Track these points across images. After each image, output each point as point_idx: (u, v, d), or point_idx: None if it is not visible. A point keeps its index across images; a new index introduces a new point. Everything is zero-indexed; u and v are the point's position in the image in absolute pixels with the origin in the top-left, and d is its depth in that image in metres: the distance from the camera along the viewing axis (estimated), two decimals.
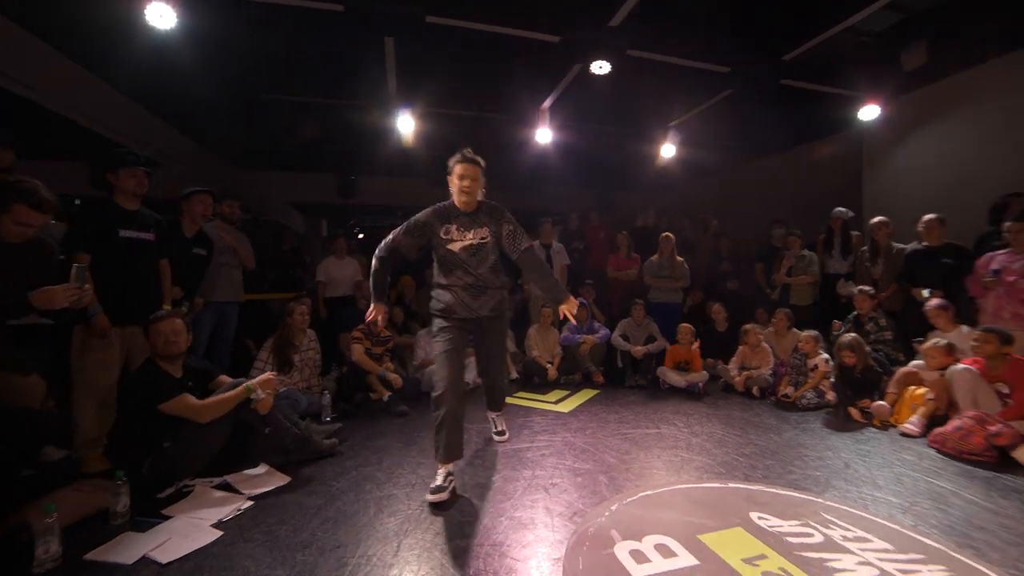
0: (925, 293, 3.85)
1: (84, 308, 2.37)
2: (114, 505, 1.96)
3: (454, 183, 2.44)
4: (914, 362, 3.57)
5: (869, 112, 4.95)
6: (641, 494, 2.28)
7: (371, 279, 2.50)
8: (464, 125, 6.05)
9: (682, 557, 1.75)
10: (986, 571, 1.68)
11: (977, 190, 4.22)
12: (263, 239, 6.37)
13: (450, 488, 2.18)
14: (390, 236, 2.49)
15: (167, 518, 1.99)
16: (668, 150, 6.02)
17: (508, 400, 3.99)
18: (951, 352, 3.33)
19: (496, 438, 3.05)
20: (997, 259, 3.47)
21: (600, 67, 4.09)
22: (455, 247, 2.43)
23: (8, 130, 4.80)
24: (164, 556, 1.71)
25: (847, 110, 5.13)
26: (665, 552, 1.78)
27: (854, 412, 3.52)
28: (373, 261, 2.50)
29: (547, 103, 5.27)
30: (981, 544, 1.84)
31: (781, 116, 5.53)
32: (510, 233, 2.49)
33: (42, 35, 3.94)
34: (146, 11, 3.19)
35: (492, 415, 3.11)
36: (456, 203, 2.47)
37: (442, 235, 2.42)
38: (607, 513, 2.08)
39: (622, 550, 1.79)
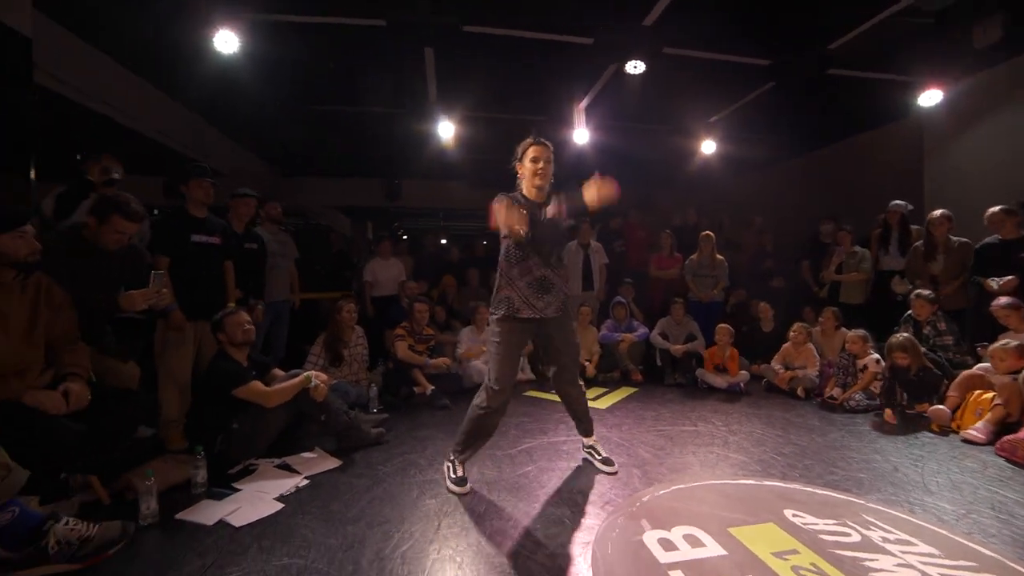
0: (994, 284, 3.61)
1: (165, 306, 2.68)
2: (195, 476, 2.23)
3: (527, 168, 2.24)
4: (980, 365, 3.36)
5: (930, 97, 4.66)
6: (673, 487, 2.31)
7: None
8: (503, 128, 6.18)
9: (710, 547, 1.78)
10: None
11: None
12: (313, 242, 6.79)
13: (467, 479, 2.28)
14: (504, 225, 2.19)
15: (237, 490, 2.24)
16: (708, 146, 5.91)
17: (546, 396, 4.10)
18: (1022, 354, 3.11)
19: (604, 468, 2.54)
20: None
21: (635, 67, 4.11)
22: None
23: (94, 147, 5.42)
24: (237, 521, 1.95)
25: (904, 96, 4.86)
26: (694, 542, 1.82)
27: (888, 413, 3.38)
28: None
29: (584, 103, 5.31)
30: None
31: (829, 106, 5.31)
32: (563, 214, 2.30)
33: (124, 61, 4.41)
34: (214, 39, 3.53)
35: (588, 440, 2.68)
36: (527, 192, 2.28)
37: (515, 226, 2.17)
38: (638, 504, 2.14)
39: (651, 538, 1.85)
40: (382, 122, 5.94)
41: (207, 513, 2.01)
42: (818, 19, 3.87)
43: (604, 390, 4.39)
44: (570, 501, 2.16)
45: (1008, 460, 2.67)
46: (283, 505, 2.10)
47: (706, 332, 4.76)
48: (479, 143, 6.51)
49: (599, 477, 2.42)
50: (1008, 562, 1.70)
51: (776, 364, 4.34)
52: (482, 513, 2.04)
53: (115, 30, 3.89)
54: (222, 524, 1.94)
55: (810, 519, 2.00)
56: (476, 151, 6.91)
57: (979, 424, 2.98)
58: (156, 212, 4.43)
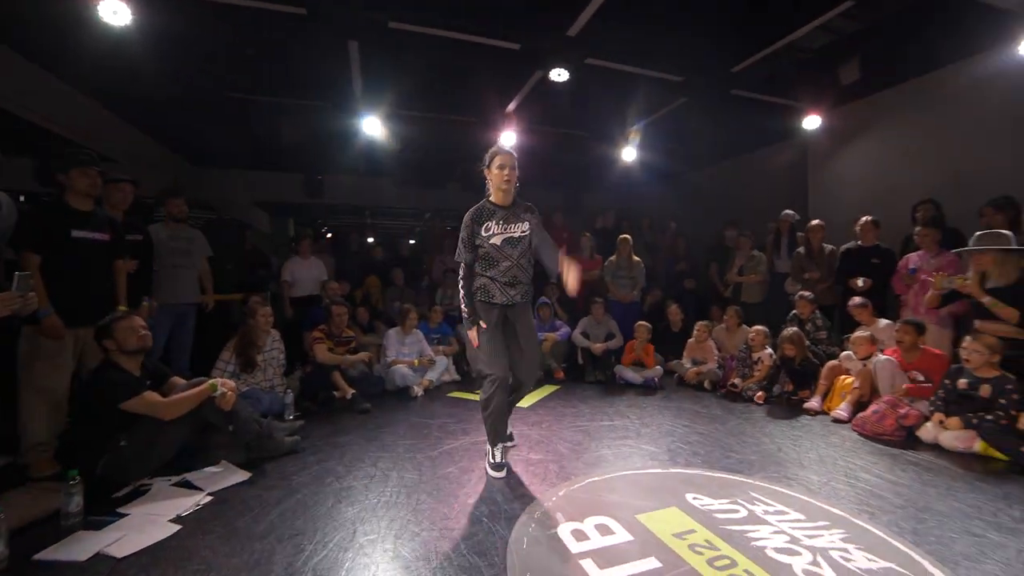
0: (860, 283, 4.19)
1: (34, 311, 2.35)
2: (66, 506, 1.94)
3: (494, 174, 2.46)
4: (845, 353, 3.89)
5: (812, 122, 5.31)
6: (588, 480, 2.44)
7: (466, 305, 2.54)
8: (430, 127, 6.13)
9: (619, 534, 1.91)
10: (875, 531, 1.94)
11: (904, 196, 4.58)
12: (225, 239, 6.28)
13: (506, 464, 2.53)
14: (463, 265, 2.54)
15: (123, 516, 2.02)
16: (628, 154, 6.26)
17: (468, 396, 4.14)
18: (874, 342, 3.66)
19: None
20: (913, 259, 3.83)
21: (559, 74, 4.25)
22: (497, 241, 2.47)
23: None
24: (120, 551, 1.74)
25: (793, 119, 5.47)
26: (604, 531, 1.94)
27: (759, 395, 3.96)
28: (463, 291, 2.54)
29: (511, 107, 5.40)
30: (876, 510, 2.11)
31: (733, 123, 5.83)
32: (538, 223, 2.58)
33: None
34: (98, 7, 3.15)
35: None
36: (495, 198, 2.51)
37: (483, 233, 2.47)
38: (554, 498, 2.23)
39: (565, 530, 1.94)
40: (304, 114, 5.63)
41: (80, 547, 1.77)
42: (724, 44, 4.25)
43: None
44: (489, 500, 2.20)
45: (860, 434, 3.16)
46: (179, 527, 1.94)
47: (624, 330, 5.04)
48: (407, 141, 6.39)
49: (519, 474, 2.49)
50: (851, 517, 2.06)
51: (685, 360, 4.71)
52: (401, 518, 2.02)
53: None
54: (100, 557, 1.73)
55: (707, 500, 2.21)
56: (404, 149, 6.77)
57: (843, 405, 3.48)
58: (22, 199, 3.86)
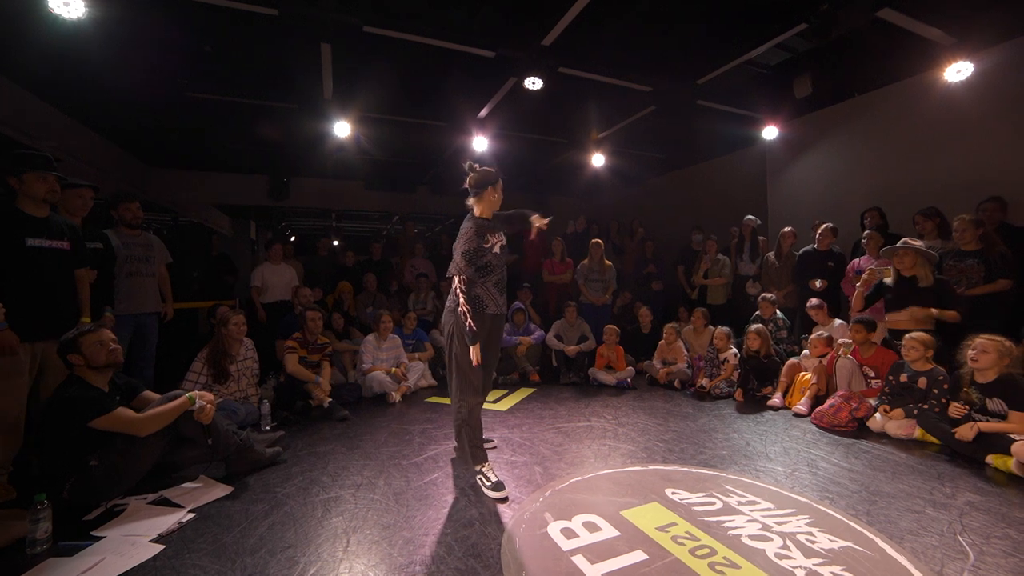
0: (818, 284, 4.49)
1: None
2: (32, 532, 1.83)
3: (495, 196, 2.64)
4: (803, 352, 4.15)
5: (769, 132, 5.63)
6: (572, 480, 2.53)
7: (474, 320, 2.44)
8: (401, 131, 6.10)
9: (605, 530, 2.00)
10: (835, 514, 2.13)
11: (852, 203, 4.96)
12: (191, 244, 6.03)
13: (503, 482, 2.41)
14: (466, 279, 2.48)
15: (98, 539, 1.93)
16: (598, 159, 6.43)
17: (446, 401, 4.16)
18: (829, 343, 3.93)
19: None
20: (859, 263, 4.14)
21: (533, 83, 4.34)
22: (496, 249, 2.62)
23: None
24: None
25: (753, 129, 5.78)
26: (591, 528, 2.02)
27: (738, 393, 4.13)
28: (470, 305, 2.47)
29: (483, 112, 5.45)
30: (835, 495, 2.31)
31: (698, 132, 6.11)
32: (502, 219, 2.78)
33: None
34: None
35: None
36: (483, 214, 2.64)
37: (486, 245, 2.57)
38: (541, 499, 2.30)
39: (554, 529, 2.01)
40: (269, 116, 5.48)
41: None
42: (689, 57, 4.46)
43: (504, 392, 4.56)
44: (478, 503, 2.25)
45: (819, 426, 3.40)
46: (163, 546, 1.88)
47: (596, 332, 5.19)
48: (377, 144, 6.33)
49: (505, 476, 2.54)
50: (813, 503, 2.25)
51: (656, 361, 4.89)
52: (392, 525, 2.04)
53: None
54: None
55: (685, 494, 2.34)
56: (373, 152, 6.70)
57: (802, 400, 3.73)
58: None
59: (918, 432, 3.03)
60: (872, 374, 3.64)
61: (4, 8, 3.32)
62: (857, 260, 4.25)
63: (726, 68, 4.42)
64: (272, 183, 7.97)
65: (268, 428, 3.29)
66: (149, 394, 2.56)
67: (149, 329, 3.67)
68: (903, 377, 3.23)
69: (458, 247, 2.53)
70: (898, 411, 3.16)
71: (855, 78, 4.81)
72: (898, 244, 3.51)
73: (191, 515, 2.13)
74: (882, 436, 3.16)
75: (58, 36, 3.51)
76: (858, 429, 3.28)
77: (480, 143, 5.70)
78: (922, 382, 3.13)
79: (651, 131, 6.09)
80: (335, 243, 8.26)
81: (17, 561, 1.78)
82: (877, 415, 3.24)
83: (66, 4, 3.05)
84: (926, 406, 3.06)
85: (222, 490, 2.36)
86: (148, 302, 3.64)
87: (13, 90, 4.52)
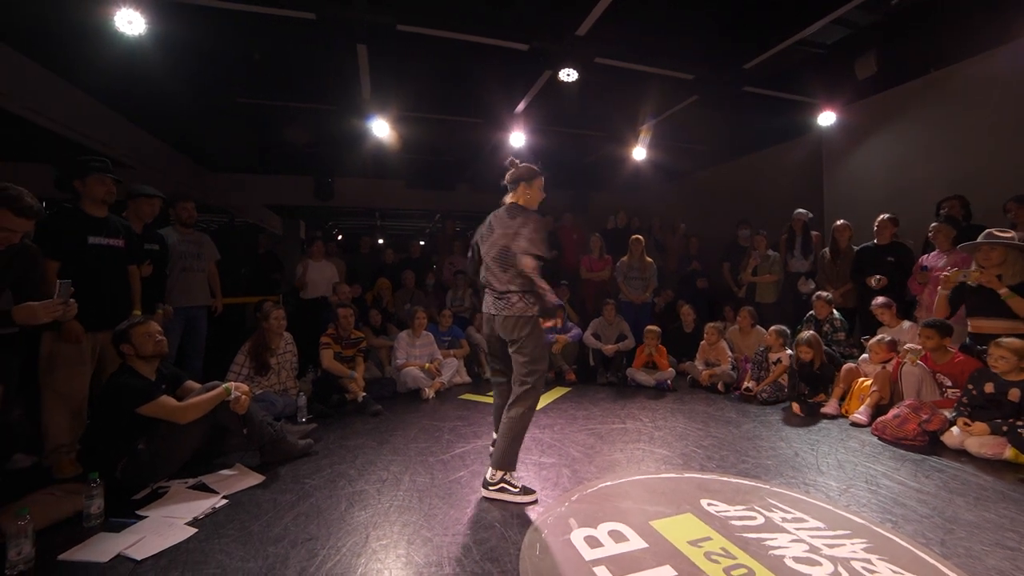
0: (874, 281, 4.09)
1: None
2: (87, 507, 1.99)
3: (539, 193, 2.51)
4: (862, 356, 3.80)
5: (826, 118, 5.21)
6: (600, 485, 2.42)
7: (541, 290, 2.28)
8: (439, 129, 6.15)
9: (632, 541, 1.88)
10: (899, 541, 1.88)
11: (925, 192, 4.48)
12: (239, 242, 6.36)
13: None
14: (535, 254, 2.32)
15: (142, 518, 2.05)
16: (639, 153, 6.21)
17: (479, 399, 4.14)
18: (893, 348, 3.57)
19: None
20: (926, 259, 3.73)
21: (568, 74, 4.23)
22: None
23: None
24: (139, 553, 1.77)
25: (807, 116, 5.38)
26: (617, 537, 1.91)
27: (795, 406, 3.71)
28: (539, 281, 2.28)
29: (520, 107, 5.39)
30: (899, 519, 2.05)
31: (746, 121, 5.76)
32: None
33: (5, 38, 3.90)
34: (115, 18, 3.21)
35: None
36: (536, 207, 2.52)
37: None
38: (567, 503, 2.21)
39: (578, 536, 1.92)
40: (312, 118, 5.68)
41: (102, 548, 1.81)
42: (735, 40, 4.19)
43: None
44: (501, 505, 2.19)
45: (880, 438, 3.07)
46: (196, 530, 1.96)
47: (636, 332, 5.00)
48: (416, 142, 6.42)
49: (530, 478, 2.47)
50: (872, 526, 2.00)
51: (698, 362, 4.65)
52: (413, 523, 2.02)
53: None
54: (120, 559, 1.76)
55: (722, 506, 2.17)
56: (413, 151, 6.80)
57: (861, 408, 3.40)
58: (43, 205, 3.95)
59: (1009, 452, 2.63)
60: (948, 383, 3.26)
61: (78, 29, 3.60)
62: (925, 256, 3.83)
63: (776, 50, 4.12)
64: (317, 183, 8.29)
65: (304, 420, 3.39)
66: (192, 384, 2.69)
67: (199, 322, 3.88)
68: (988, 387, 2.83)
69: (523, 236, 2.27)
70: (981, 425, 2.77)
71: (930, 52, 4.32)
72: (981, 238, 3.10)
73: (224, 501, 2.21)
74: (960, 454, 2.78)
75: (123, 51, 3.77)
76: (929, 444, 2.93)
77: (518, 139, 5.64)
78: (1014, 394, 2.72)
79: (694, 122, 5.79)
80: (379, 241, 8.47)
81: (74, 532, 1.94)
82: (954, 429, 2.87)
83: (129, 23, 3.28)
84: (1021, 422, 2.66)
85: (255, 478, 2.44)
86: (199, 296, 3.86)
87: (88, 101, 4.93)
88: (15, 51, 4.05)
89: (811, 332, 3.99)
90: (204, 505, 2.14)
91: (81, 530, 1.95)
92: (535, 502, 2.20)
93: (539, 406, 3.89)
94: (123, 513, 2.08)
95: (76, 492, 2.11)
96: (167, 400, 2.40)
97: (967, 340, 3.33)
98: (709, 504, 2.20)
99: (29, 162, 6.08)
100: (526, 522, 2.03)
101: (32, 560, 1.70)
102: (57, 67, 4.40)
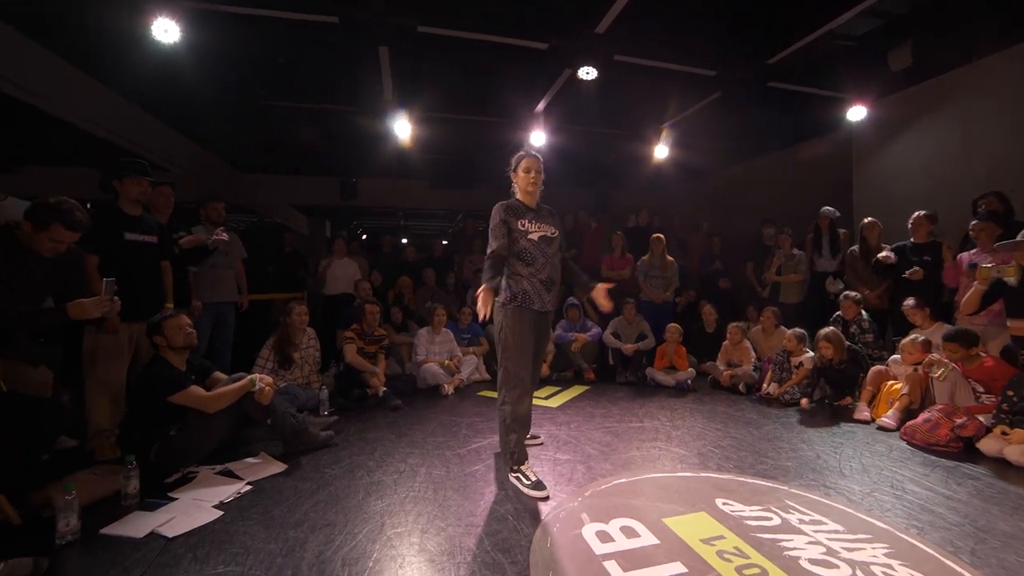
0: (908, 273, 3.90)
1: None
2: (125, 487, 2.13)
3: (520, 177, 2.51)
4: (892, 358, 3.67)
5: (857, 113, 5.03)
6: (614, 482, 2.42)
7: (489, 281, 2.34)
8: (460, 129, 6.21)
9: (644, 537, 1.88)
10: (924, 547, 1.81)
11: (964, 188, 4.27)
12: (266, 241, 6.57)
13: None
14: (492, 249, 2.45)
15: (173, 500, 2.17)
16: (661, 151, 6.14)
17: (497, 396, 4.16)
18: (927, 349, 3.43)
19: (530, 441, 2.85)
20: (967, 258, 3.56)
21: (587, 72, 4.22)
22: (534, 237, 2.47)
23: (16, 135, 5.03)
24: (170, 531, 1.88)
25: (835, 111, 5.21)
26: (629, 533, 1.91)
27: (803, 401, 3.67)
28: (490, 271, 2.38)
29: (540, 107, 5.40)
30: (926, 526, 1.97)
31: (770, 117, 5.62)
32: (562, 234, 2.63)
33: (51, 46, 4.13)
34: (152, 27, 3.37)
35: None
36: (522, 198, 2.55)
37: (519, 227, 2.45)
38: (580, 499, 2.22)
39: (589, 531, 1.93)
40: (336, 120, 5.82)
41: (137, 525, 1.93)
42: (758, 34, 4.10)
43: (557, 388, 4.49)
44: (515, 498, 2.22)
45: (909, 443, 2.96)
46: (222, 512, 2.05)
47: (657, 331, 4.95)
48: (438, 143, 6.50)
49: (545, 473, 2.49)
50: (896, 532, 1.93)
51: (720, 362, 4.58)
52: (428, 513, 2.07)
53: (43, 16, 3.65)
54: (154, 536, 1.87)
55: (738, 506, 2.15)
56: (435, 151, 6.89)
57: (890, 412, 3.28)
58: (89, 206, 4.19)
59: None
60: (981, 389, 3.12)
61: (118, 38, 3.79)
62: (965, 254, 3.65)
63: (802, 43, 4.01)
64: (342, 184, 8.48)
65: (326, 413, 3.49)
66: (219, 375, 2.82)
67: (228, 317, 4.04)
68: None
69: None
70: (1021, 433, 2.63)
71: (972, 42, 4.13)
72: (1021, 236, 2.94)
73: (248, 487, 2.30)
74: (998, 462, 2.64)
75: (159, 58, 3.95)
76: (963, 451, 2.80)
77: (538, 138, 5.65)
78: None
79: (717, 119, 5.69)
80: (403, 240, 8.61)
81: (113, 510, 2.07)
82: (991, 436, 2.74)
83: (165, 31, 3.44)
84: None
85: (278, 467, 2.54)
86: (227, 292, 4.02)
87: (128, 107, 5.19)
88: (66, 62, 4.29)
89: (831, 328, 3.87)
90: (230, 490, 2.24)
91: (119, 508, 2.09)
92: (546, 498, 2.21)
93: (557, 403, 3.97)
94: (156, 494, 2.21)
95: (115, 473, 2.25)
96: (196, 390, 2.52)
97: (1009, 343, 3.17)
98: (724, 503, 2.17)
99: (69, 166, 6.44)
100: (538, 516, 2.05)
101: (78, 532, 1.85)
102: (101, 75, 4.65)
